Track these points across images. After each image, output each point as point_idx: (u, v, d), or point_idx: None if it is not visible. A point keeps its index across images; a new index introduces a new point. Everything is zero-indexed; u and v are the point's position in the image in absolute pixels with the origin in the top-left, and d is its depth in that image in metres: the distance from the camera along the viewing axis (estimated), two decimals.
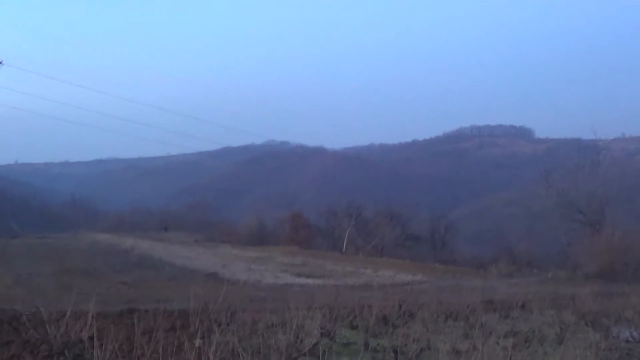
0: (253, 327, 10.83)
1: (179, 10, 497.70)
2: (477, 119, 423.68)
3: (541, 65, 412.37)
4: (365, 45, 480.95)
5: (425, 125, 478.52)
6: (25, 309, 12.39)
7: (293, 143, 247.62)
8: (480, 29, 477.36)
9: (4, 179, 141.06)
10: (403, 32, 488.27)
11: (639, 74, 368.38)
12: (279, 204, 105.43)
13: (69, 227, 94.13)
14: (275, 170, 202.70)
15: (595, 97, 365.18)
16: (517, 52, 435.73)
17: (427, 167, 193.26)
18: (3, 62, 36.04)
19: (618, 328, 13.64)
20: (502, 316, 15.80)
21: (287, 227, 69.19)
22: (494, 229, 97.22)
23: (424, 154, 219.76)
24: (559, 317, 14.67)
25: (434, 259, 52.64)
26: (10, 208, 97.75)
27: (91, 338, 7.59)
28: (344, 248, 59.70)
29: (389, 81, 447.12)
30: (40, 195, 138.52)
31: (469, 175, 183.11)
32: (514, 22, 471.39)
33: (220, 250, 52.65)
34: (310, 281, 29.11)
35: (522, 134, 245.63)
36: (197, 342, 8.77)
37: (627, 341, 12.51)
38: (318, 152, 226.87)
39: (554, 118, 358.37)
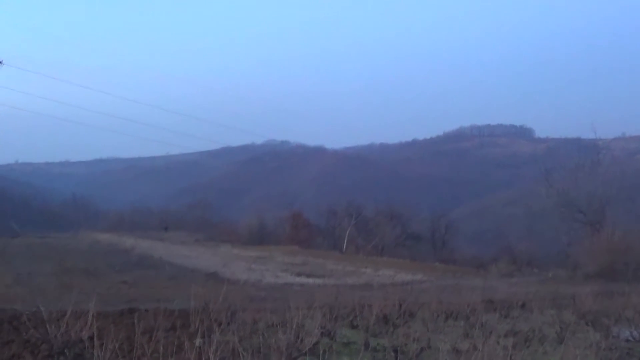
0: (253, 327, 10.82)
1: (179, 10, 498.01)
2: (478, 118, 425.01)
3: (541, 65, 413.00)
4: (365, 45, 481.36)
5: (425, 125, 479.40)
6: (26, 308, 12.39)
7: (293, 143, 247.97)
8: (480, 29, 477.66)
9: (4, 178, 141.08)
10: (403, 32, 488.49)
11: (639, 74, 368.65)
12: (279, 203, 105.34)
13: (69, 226, 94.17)
14: (275, 169, 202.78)
15: (595, 97, 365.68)
16: (517, 51, 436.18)
17: (428, 167, 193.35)
18: (3, 62, 36.04)
19: (618, 328, 13.63)
20: (503, 316, 15.79)
21: (287, 227, 69.18)
22: (494, 228, 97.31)
23: (424, 154, 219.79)
24: (559, 317, 14.66)
25: (434, 258, 52.64)
26: (11, 208, 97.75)
27: (91, 338, 7.59)
28: (344, 247, 59.69)
29: (389, 81, 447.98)
30: (41, 194, 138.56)
31: (469, 174, 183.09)
32: (514, 22, 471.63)
33: (221, 250, 52.67)
34: (310, 281, 29.13)
35: (522, 133, 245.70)
36: (198, 341, 8.77)
37: (628, 341, 12.50)
38: (318, 152, 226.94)
39: (554, 117, 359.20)
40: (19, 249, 42.14)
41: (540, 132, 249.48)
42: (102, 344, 6.81)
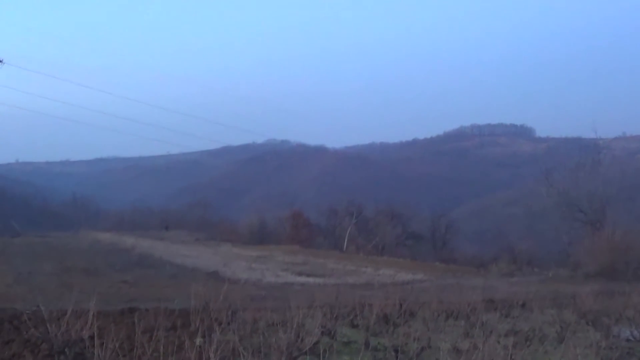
0: (254, 326, 10.82)
1: (180, 10, 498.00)
2: (478, 118, 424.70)
3: (542, 65, 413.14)
4: (365, 45, 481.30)
5: (426, 125, 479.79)
6: (26, 307, 12.41)
7: (294, 142, 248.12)
8: (480, 29, 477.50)
9: (5, 177, 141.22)
10: (403, 32, 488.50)
11: (639, 74, 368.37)
12: (280, 202, 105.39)
13: (69, 226, 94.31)
14: (276, 169, 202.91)
15: (595, 96, 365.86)
16: (517, 51, 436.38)
17: (428, 166, 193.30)
18: (4, 61, 36.04)
19: (619, 327, 13.62)
20: (503, 315, 15.79)
21: (287, 226, 69.19)
22: (495, 228, 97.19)
23: (424, 153, 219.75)
24: (560, 316, 14.65)
25: (435, 258, 52.60)
26: (11, 207, 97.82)
27: (92, 337, 7.59)
28: (345, 247, 59.68)
29: (390, 80, 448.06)
30: (41, 194, 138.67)
31: (470, 174, 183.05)
32: (514, 22, 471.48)
33: (221, 249, 52.68)
34: (311, 280, 29.12)
35: (522, 133, 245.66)
36: (198, 341, 8.77)
37: (628, 340, 12.49)
38: (319, 151, 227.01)
39: (555, 117, 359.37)
40: (20, 248, 42.17)
41: (541, 131, 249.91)
42: (103, 343, 6.81)
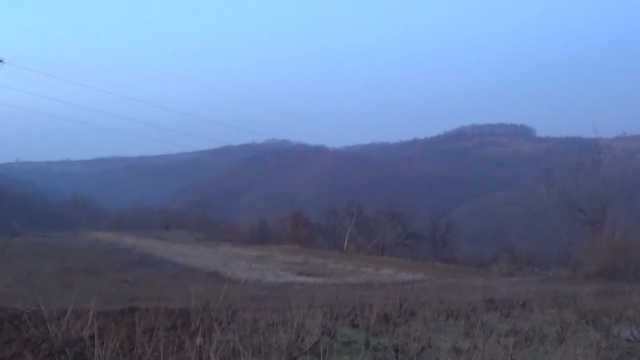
0: (254, 326, 10.82)
1: (180, 10, 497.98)
2: (478, 117, 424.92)
3: (542, 65, 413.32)
4: (365, 45, 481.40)
5: (426, 124, 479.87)
6: (26, 307, 12.42)
7: (294, 142, 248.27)
8: (481, 29, 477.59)
9: (5, 177, 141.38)
10: (404, 31, 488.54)
11: (639, 73, 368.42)
12: (280, 202, 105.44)
13: (70, 225, 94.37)
14: (276, 169, 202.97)
15: (596, 96, 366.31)
16: (517, 51, 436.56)
17: (428, 166, 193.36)
18: (4, 61, 35.98)
19: (619, 327, 13.61)
20: (503, 315, 15.78)
21: (288, 226, 69.19)
22: (495, 227, 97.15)
23: (425, 153, 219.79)
24: (560, 316, 14.64)
25: (435, 257, 52.60)
26: (11, 207, 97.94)
27: (92, 337, 7.59)
28: (345, 247, 59.68)
29: (390, 80, 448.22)
30: (41, 193, 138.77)
31: (470, 174, 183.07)
32: (514, 22, 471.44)
33: (221, 249, 52.68)
34: (311, 280, 29.12)
35: (523, 132, 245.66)
36: (198, 340, 8.77)
37: (628, 340, 12.48)
38: (319, 151, 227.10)
39: (555, 117, 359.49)
40: (20, 248, 42.20)
41: (541, 131, 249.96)
42: (103, 343, 6.81)
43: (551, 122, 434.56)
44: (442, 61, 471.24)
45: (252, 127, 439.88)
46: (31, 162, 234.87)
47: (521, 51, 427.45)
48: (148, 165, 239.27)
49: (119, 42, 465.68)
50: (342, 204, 69.07)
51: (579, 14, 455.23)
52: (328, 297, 13.65)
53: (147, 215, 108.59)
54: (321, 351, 7.39)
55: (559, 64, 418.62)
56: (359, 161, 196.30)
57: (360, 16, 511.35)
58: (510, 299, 19.21)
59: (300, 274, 32.39)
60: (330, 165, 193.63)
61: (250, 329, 10.50)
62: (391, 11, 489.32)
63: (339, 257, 46.04)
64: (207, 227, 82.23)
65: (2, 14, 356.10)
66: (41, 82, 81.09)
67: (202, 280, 21.33)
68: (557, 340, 11.74)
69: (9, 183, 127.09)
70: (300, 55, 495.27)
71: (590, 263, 37.97)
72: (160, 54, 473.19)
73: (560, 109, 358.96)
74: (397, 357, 9.10)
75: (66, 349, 7.90)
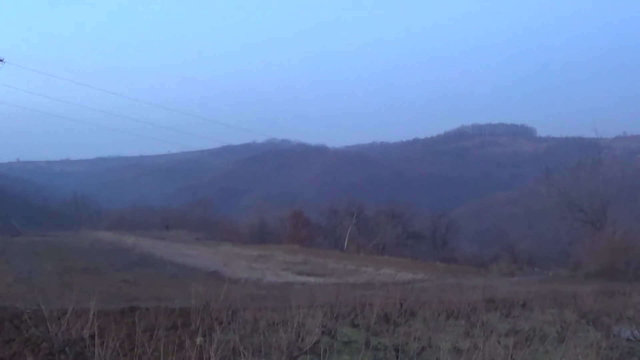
0: (254, 326, 10.82)
1: (180, 10, 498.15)
2: (479, 117, 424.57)
3: (542, 64, 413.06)
4: (366, 44, 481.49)
5: (426, 124, 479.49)
6: (27, 306, 12.42)
7: (294, 141, 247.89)
8: (481, 28, 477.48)
9: (5, 177, 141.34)
10: (404, 31, 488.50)
11: (639, 73, 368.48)
12: (280, 202, 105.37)
13: (70, 225, 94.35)
14: (276, 168, 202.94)
15: (596, 96, 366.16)
16: (518, 51, 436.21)
17: (429, 166, 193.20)
18: (4, 61, 36.01)
19: (619, 327, 13.61)
20: (503, 315, 15.79)
21: (288, 226, 69.21)
22: (495, 227, 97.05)
23: (425, 153, 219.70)
24: (560, 316, 14.64)
25: (435, 257, 52.62)
26: (12, 206, 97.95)
27: (92, 336, 7.59)
28: (345, 246, 59.69)
29: (390, 80, 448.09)
30: (42, 193, 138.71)
31: (470, 174, 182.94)
32: (515, 22, 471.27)
33: (222, 249, 52.67)
34: (311, 279, 29.12)
35: (523, 132, 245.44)
36: (198, 340, 8.77)
37: (629, 340, 12.48)
38: (319, 151, 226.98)
39: (556, 117, 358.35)
40: (20, 248, 42.21)
41: (542, 131, 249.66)
42: (103, 342, 6.81)
43: (551, 122, 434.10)
44: (442, 61, 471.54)
45: (252, 126, 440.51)
46: (31, 162, 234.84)
47: (521, 51, 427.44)
48: (148, 164, 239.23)
49: (119, 41, 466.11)
50: (342, 203, 69.07)
51: (579, 13, 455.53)
52: (328, 297, 13.64)
53: (148, 214, 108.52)
54: (321, 351, 7.39)
55: (560, 64, 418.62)
56: (359, 161, 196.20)
57: (360, 16, 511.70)
58: (511, 298, 19.21)
59: (300, 273, 32.41)
60: (331, 165, 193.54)
61: (250, 329, 10.50)
62: (391, 11, 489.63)
63: (339, 257, 46.05)
64: (208, 226, 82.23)
65: (2, 14, 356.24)
66: (41, 81, 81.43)
67: (202, 280, 21.36)
68: (557, 340, 11.74)
69: (9, 182, 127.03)
70: (300, 55, 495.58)
71: (591, 263, 38.00)
72: (160, 53, 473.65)
73: (560, 109, 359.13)
74: (397, 357, 9.10)
75: (66, 349, 7.90)
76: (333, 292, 15.18)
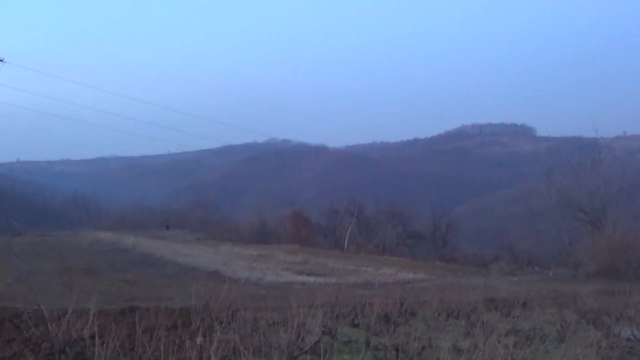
0: (254, 325, 10.83)
1: (180, 10, 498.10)
2: (479, 117, 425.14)
3: (542, 64, 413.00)
4: (366, 44, 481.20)
5: (427, 124, 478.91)
6: (27, 306, 12.41)
7: (295, 141, 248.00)
8: (481, 28, 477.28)
9: (6, 177, 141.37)
10: (404, 31, 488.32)
11: (639, 73, 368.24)
12: (281, 202, 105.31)
13: (70, 225, 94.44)
14: (276, 168, 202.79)
15: (596, 96, 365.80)
16: (518, 50, 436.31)
17: (429, 165, 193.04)
18: (4, 61, 36.00)
19: (619, 326, 13.62)
20: (504, 314, 15.80)
21: (288, 225, 69.20)
22: (495, 227, 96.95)
23: (425, 152, 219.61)
24: (560, 316, 14.65)
25: (436, 257, 52.61)
26: (12, 206, 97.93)
27: (92, 336, 7.60)
28: (346, 246, 59.68)
29: (390, 80, 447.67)
30: (42, 193, 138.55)
31: (471, 173, 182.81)
32: (515, 21, 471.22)
33: (222, 249, 52.67)
34: (311, 279, 29.11)
35: (523, 132, 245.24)
36: (199, 340, 8.78)
37: (629, 339, 12.49)
38: (320, 150, 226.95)
39: (556, 116, 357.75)
40: (20, 248, 42.17)
41: (542, 130, 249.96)
42: (103, 342, 6.82)
43: (552, 122, 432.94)
44: (442, 61, 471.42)
45: (252, 126, 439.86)
46: (32, 162, 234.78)
47: (522, 51, 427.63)
48: (149, 164, 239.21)
49: (120, 41, 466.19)
50: (342, 203, 69.02)
51: (580, 13, 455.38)
52: (328, 297, 13.65)
53: (148, 214, 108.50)
54: (321, 351, 7.39)
55: (560, 64, 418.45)
56: (360, 160, 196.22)
57: (360, 16, 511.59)
58: (511, 298, 19.23)
59: (300, 273, 32.40)
60: (331, 165, 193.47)
61: (250, 329, 10.51)
62: (391, 11, 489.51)
63: (339, 257, 46.06)
64: (208, 226, 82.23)
65: (2, 14, 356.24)
66: (41, 81, 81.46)
67: (202, 279, 21.36)
68: (557, 339, 11.75)
69: (9, 182, 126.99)
70: (300, 55, 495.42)
71: (591, 262, 38.00)
72: (160, 53, 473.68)
73: (560, 109, 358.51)
74: (397, 357, 9.11)
75: (67, 349, 7.91)
76: (333, 292, 15.20)
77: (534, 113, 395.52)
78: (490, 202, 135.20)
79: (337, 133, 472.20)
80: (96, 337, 7.11)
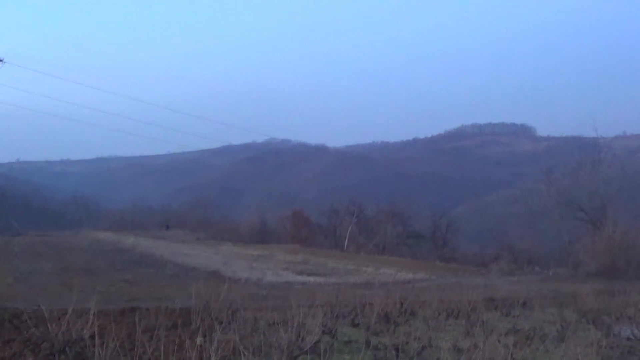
0: (254, 325, 10.83)
1: (181, 10, 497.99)
2: (479, 117, 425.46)
3: (542, 64, 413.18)
4: (366, 44, 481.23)
5: (426, 124, 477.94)
6: (27, 307, 12.41)
7: (294, 141, 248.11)
8: (481, 28, 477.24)
9: (5, 177, 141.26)
10: (405, 31, 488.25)
11: (639, 73, 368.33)
12: (281, 202, 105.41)
13: (70, 225, 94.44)
14: (276, 168, 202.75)
15: (596, 95, 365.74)
16: (518, 50, 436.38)
17: (429, 165, 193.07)
18: (4, 61, 35.97)
19: (619, 326, 13.62)
20: (504, 314, 15.80)
21: (288, 225, 69.21)
22: (495, 227, 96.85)
23: (425, 152, 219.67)
24: (560, 315, 14.65)
25: (435, 257, 52.63)
26: (11, 206, 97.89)
27: (92, 336, 7.60)
28: (346, 246, 59.68)
29: (390, 80, 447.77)
30: (41, 193, 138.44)
31: (470, 173, 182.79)
32: (515, 21, 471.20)
33: (222, 248, 52.67)
34: (311, 279, 29.12)
35: (523, 132, 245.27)
36: (199, 340, 8.77)
37: (629, 339, 12.49)
38: (320, 150, 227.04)
39: (555, 116, 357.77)
40: (20, 248, 42.17)
41: (542, 130, 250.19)
42: (103, 342, 6.81)
43: (551, 121, 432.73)
44: (442, 61, 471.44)
45: (252, 126, 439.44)
46: (31, 162, 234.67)
47: (521, 50, 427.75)
48: (148, 164, 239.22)
49: (120, 41, 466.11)
50: (342, 203, 69.02)
51: (580, 13, 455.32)
52: (328, 297, 13.66)
53: (148, 214, 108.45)
54: (322, 350, 7.39)
55: (560, 64, 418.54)
56: (360, 160, 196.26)
57: (360, 16, 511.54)
58: (511, 298, 19.21)
59: (300, 273, 32.40)
60: (331, 165, 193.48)
61: (250, 329, 10.51)
62: (391, 11, 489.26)
63: (339, 257, 46.05)
64: (208, 226, 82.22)
65: (2, 14, 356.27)
66: (41, 81, 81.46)
67: (202, 279, 21.34)
68: (557, 339, 11.75)
69: (9, 183, 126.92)
70: (300, 55, 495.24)
71: (591, 262, 37.99)
72: (160, 53, 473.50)
73: (560, 108, 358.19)
74: (397, 356, 9.11)
75: (67, 349, 7.91)
76: (333, 291, 15.20)
77: (533, 113, 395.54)
78: (490, 202, 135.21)
79: (337, 133, 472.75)
80: (96, 337, 7.11)
